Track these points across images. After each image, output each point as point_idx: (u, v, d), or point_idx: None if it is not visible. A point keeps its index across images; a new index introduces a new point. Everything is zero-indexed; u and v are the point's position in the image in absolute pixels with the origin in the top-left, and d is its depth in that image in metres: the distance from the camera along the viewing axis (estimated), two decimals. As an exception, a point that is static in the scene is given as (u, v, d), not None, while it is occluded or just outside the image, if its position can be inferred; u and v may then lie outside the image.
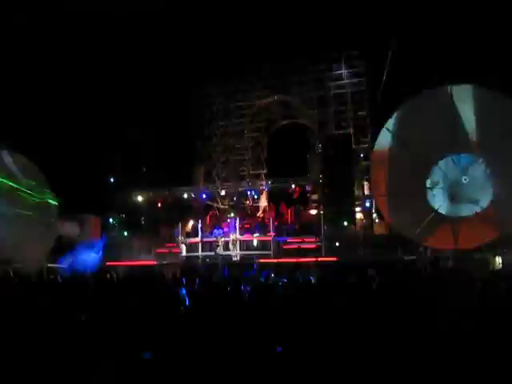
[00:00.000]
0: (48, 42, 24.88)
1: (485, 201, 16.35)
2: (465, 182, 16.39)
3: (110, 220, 25.40)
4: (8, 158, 18.92)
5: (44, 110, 25.55)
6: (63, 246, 22.82)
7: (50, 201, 20.57)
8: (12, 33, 23.61)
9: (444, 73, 17.30)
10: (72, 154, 23.76)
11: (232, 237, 22.84)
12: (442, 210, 16.80)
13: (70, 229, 22.99)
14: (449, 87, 16.40)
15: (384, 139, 17.56)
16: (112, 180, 25.21)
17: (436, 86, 16.96)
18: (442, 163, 16.80)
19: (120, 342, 4.60)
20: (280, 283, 10.31)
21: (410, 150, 16.87)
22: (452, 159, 16.70)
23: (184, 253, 23.67)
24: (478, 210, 16.34)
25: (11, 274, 17.97)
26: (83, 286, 9.44)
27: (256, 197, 28.67)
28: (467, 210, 16.47)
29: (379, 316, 5.23)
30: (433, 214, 16.74)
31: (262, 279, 10.69)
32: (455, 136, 16.17)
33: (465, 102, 16.17)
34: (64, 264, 22.11)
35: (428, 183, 17.05)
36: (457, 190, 16.45)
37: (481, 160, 16.42)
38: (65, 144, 24.20)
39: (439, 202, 16.90)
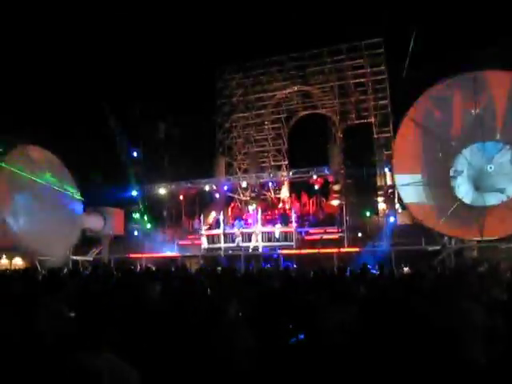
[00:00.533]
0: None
1: (511, 189, 16.06)
2: (490, 170, 16.09)
3: (134, 213, 25.66)
4: (33, 153, 19.27)
5: (67, 105, 25.94)
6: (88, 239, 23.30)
7: (75, 195, 20.93)
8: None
9: (467, 59, 16.89)
10: (95, 148, 24.03)
11: (254, 228, 22.89)
12: (467, 200, 16.55)
13: (93, 222, 23.32)
14: (472, 74, 16.07)
15: (406, 128, 17.34)
16: (135, 173, 25.43)
17: (459, 72, 16.63)
18: (466, 151, 16.53)
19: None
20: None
21: (433, 139, 16.66)
22: (476, 147, 16.41)
23: (206, 245, 23.79)
24: (503, 198, 16.05)
25: (38, 266, 18.52)
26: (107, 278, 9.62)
27: (277, 188, 28.67)
28: (493, 199, 16.18)
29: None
30: (457, 203, 16.52)
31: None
32: (479, 123, 15.87)
33: (489, 88, 15.84)
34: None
35: (452, 172, 16.80)
36: (482, 178, 16.16)
37: (506, 147, 16.10)
38: (88, 138, 24.50)
39: (464, 191, 16.66)
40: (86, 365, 2.69)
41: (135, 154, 25.70)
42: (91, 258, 22.61)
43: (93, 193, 22.52)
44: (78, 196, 21.05)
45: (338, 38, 26.95)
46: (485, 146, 16.26)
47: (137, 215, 25.59)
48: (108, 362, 2.78)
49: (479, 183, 16.28)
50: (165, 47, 28.72)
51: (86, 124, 25.14)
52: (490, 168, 16.21)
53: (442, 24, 23.01)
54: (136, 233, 25.66)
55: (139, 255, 23.01)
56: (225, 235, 23.19)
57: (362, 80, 27.65)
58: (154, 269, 13.22)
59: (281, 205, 27.84)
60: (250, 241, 22.59)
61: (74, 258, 21.67)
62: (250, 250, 22.22)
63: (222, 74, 31.21)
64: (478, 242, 16.71)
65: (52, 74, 25.93)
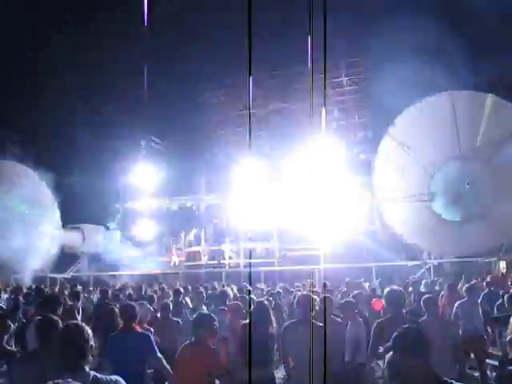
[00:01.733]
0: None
1: (488, 206, 16.35)
2: (468, 186, 16.40)
3: (113, 229, 25.34)
4: (11, 168, 18.98)
5: (52, 120, 25.58)
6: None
7: (53, 211, 20.62)
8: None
9: (445, 78, 17.26)
10: (76, 164, 23.71)
11: (236, 245, 22.80)
12: (446, 215, 16.80)
13: (72, 239, 22.96)
14: (450, 93, 16.46)
15: (386, 145, 17.60)
16: (115, 189, 25.18)
17: (437, 91, 17.00)
18: (444, 168, 16.83)
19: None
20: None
21: (412, 156, 16.94)
22: (455, 165, 16.74)
23: (177, 262, 23.60)
24: (481, 215, 16.33)
25: (13, 284, 18.08)
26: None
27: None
28: (471, 215, 16.45)
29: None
30: (436, 219, 16.76)
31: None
32: (458, 142, 16.22)
33: (466, 107, 16.23)
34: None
35: (431, 188, 17.07)
36: (460, 195, 16.45)
37: (483, 165, 16.44)
38: (67, 152, 24.14)
39: (442, 207, 16.91)
40: None
41: (116, 169, 25.48)
42: (69, 276, 22.18)
43: (72, 209, 22.20)
44: (56, 212, 20.73)
45: (317, 55, 27.22)
46: (463, 164, 16.59)
47: (117, 231, 25.27)
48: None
49: (457, 200, 16.55)
50: (152, 58, 28.58)
51: (65, 137, 24.74)
52: (468, 185, 16.51)
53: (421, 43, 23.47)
54: (116, 250, 25.27)
55: (119, 272, 22.64)
56: (206, 252, 23.06)
57: (342, 98, 28.03)
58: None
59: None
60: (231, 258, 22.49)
61: (52, 275, 21.22)
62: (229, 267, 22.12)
63: (204, 90, 31.34)
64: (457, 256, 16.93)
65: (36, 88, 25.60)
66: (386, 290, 5.54)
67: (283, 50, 25.43)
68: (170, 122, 26.97)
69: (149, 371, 4.83)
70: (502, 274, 15.91)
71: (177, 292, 8.67)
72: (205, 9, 25.32)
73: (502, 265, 17.92)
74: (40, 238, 19.51)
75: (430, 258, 17.82)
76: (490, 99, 16.18)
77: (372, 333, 5.06)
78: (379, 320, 5.25)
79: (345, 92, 27.99)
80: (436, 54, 21.14)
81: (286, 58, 26.57)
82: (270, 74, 27.86)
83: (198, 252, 23.38)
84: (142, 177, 25.03)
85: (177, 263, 23.72)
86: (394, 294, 5.21)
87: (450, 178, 16.80)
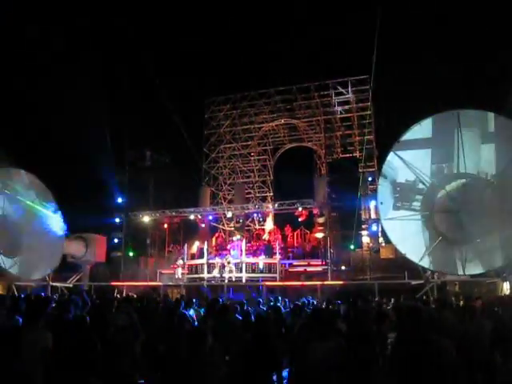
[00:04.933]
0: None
1: (492, 226, 16.26)
2: (472, 205, 16.32)
3: (116, 240, 25.36)
4: (17, 176, 19.07)
5: (54, 129, 25.81)
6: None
7: (58, 220, 20.66)
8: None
9: (451, 97, 17.37)
10: (80, 174, 23.88)
11: (237, 259, 22.75)
12: (450, 235, 16.70)
13: (75, 248, 23.00)
14: (456, 112, 16.48)
15: (391, 163, 17.60)
16: (119, 200, 25.25)
17: (443, 110, 17.04)
18: (449, 187, 16.78)
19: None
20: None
21: (416, 174, 16.93)
22: (459, 183, 16.70)
23: (179, 275, 23.58)
24: (485, 235, 16.23)
25: (15, 292, 18.10)
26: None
27: (262, 219, 28.68)
28: (475, 235, 16.36)
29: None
30: (440, 238, 16.67)
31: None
32: (463, 161, 16.20)
33: (472, 126, 16.25)
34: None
35: (435, 207, 17.01)
36: (465, 214, 16.37)
37: (488, 185, 16.40)
38: (73, 163, 24.36)
39: (446, 226, 16.82)
40: None
41: (121, 181, 25.60)
42: (71, 285, 22.16)
43: (75, 219, 22.26)
44: (60, 222, 20.77)
45: (325, 73, 27.56)
46: (467, 182, 16.55)
47: (119, 243, 25.28)
48: None
49: (462, 219, 16.47)
50: (154, 76, 28.95)
51: (70, 148, 24.95)
52: (472, 204, 16.44)
53: (428, 60, 23.70)
54: (118, 260, 25.29)
55: (120, 283, 22.62)
56: (208, 265, 23.02)
57: (348, 115, 28.21)
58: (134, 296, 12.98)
59: (265, 236, 27.79)
60: (233, 272, 22.42)
61: (53, 284, 21.22)
62: (231, 280, 22.05)
63: (210, 104, 31.62)
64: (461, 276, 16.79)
65: (38, 97, 25.87)
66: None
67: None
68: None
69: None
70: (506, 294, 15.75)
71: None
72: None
73: (506, 286, 17.77)
74: (43, 246, 19.56)
75: (432, 278, 17.70)
76: (495, 119, 16.19)
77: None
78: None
79: (351, 109, 28.16)
80: (442, 70, 21.32)
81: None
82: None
83: (201, 265, 23.32)
84: (146, 188, 25.12)
85: (180, 276, 23.70)
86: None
87: (454, 197, 16.74)
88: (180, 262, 24.25)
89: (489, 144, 16.20)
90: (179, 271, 23.79)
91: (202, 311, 9.21)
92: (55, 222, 20.47)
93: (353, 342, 5.30)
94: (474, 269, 16.16)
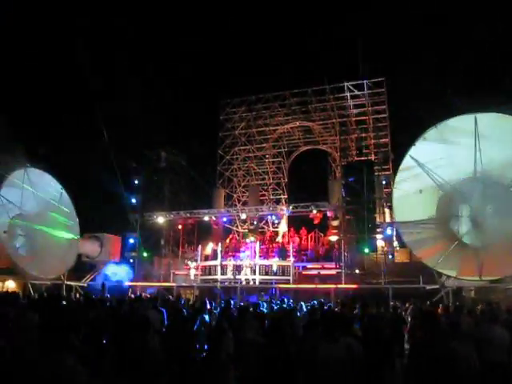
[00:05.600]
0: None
1: (509, 231, 16.01)
2: (490, 210, 16.09)
3: (131, 240, 25.49)
4: (33, 175, 19.27)
5: (68, 128, 26.10)
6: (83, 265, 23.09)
7: (72, 219, 20.84)
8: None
9: (468, 100, 17.13)
10: (96, 174, 24.06)
11: (251, 261, 22.72)
12: (466, 239, 16.48)
13: (90, 248, 23.19)
14: (473, 115, 16.26)
15: (407, 166, 17.43)
16: (134, 200, 25.40)
17: (460, 113, 16.83)
18: (466, 191, 16.56)
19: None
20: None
21: (433, 177, 16.73)
22: (476, 187, 16.46)
23: (192, 277, 23.65)
24: (503, 239, 15.98)
25: (31, 289, 18.31)
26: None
27: (276, 222, 28.62)
28: (492, 240, 16.11)
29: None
30: (456, 242, 16.45)
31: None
32: (480, 164, 15.98)
33: (489, 129, 16.00)
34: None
35: (452, 211, 16.81)
36: (482, 218, 16.14)
37: (506, 188, 16.16)
38: (88, 164, 24.54)
39: (463, 230, 16.61)
40: None
41: (136, 181, 25.76)
42: (85, 284, 22.33)
43: (91, 219, 22.45)
44: (76, 221, 20.95)
45: (340, 75, 27.45)
46: (484, 187, 16.31)
47: (134, 243, 25.41)
48: None
49: (479, 223, 16.25)
50: (170, 78, 29.16)
51: (86, 150, 25.21)
52: (490, 208, 16.21)
53: (443, 64, 23.51)
54: (132, 260, 25.41)
55: (134, 283, 22.73)
56: (222, 267, 23.02)
57: (363, 118, 28.05)
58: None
59: (279, 238, 27.72)
60: (247, 274, 22.40)
61: (68, 283, 21.39)
62: (244, 282, 22.02)
63: (225, 106, 31.68)
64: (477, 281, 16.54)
65: (53, 96, 26.19)
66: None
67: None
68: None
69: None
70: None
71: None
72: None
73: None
74: (59, 245, 19.76)
75: (448, 283, 17.47)
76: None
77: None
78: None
79: (366, 112, 28.01)
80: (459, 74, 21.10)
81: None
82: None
83: (214, 266, 23.33)
84: (161, 189, 25.24)
85: (193, 277, 23.78)
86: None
87: (471, 201, 16.53)
88: (192, 263, 24.39)
89: (507, 147, 15.91)
90: (192, 272, 23.89)
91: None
92: (71, 221, 20.66)
93: (366, 344, 5.25)
94: (491, 274, 15.91)
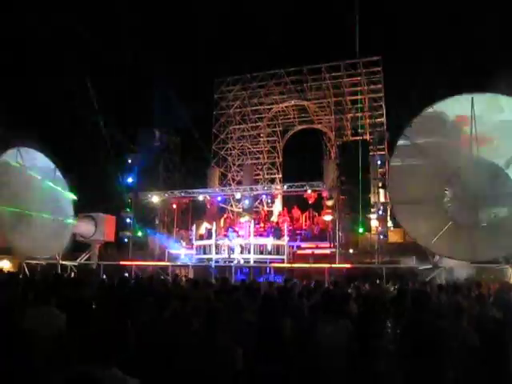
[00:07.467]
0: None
1: (504, 211, 16.12)
2: (484, 190, 16.14)
3: (127, 220, 25.43)
4: (26, 155, 19.09)
5: (61, 109, 25.79)
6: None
7: (67, 199, 20.76)
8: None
9: (463, 81, 17.05)
10: (89, 153, 23.90)
11: (245, 240, 22.78)
12: (460, 220, 16.56)
13: (84, 227, 23.15)
14: (470, 96, 16.17)
15: (402, 146, 17.41)
16: (129, 180, 25.28)
17: (456, 93, 16.74)
18: (460, 171, 16.59)
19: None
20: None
21: (428, 158, 16.72)
22: (471, 168, 16.48)
23: (196, 255, 23.73)
24: (497, 220, 16.10)
25: (26, 269, 18.32)
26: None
27: (270, 201, 28.65)
28: (486, 220, 16.22)
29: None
30: (450, 223, 16.53)
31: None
32: (475, 144, 15.97)
33: (486, 110, 15.94)
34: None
35: (446, 192, 16.86)
36: (476, 199, 16.21)
37: (500, 168, 16.19)
38: (81, 142, 24.34)
39: (457, 211, 16.68)
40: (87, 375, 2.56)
41: (130, 160, 25.60)
42: (79, 263, 22.40)
43: (85, 198, 22.34)
44: (70, 200, 20.87)
45: (336, 54, 27.19)
46: (479, 167, 16.32)
47: (129, 222, 25.36)
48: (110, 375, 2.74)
49: (473, 204, 16.32)
50: (164, 56, 28.78)
51: (79, 128, 24.97)
52: (484, 189, 16.25)
53: (441, 44, 23.30)
54: (126, 240, 25.40)
55: (129, 262, 22.78)
56: (216, 246, 23.09)
57: (359, 97, 27.87)
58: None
59: (273, 218, 27.80)
60: (241, 253, 22.47)
61: (63, 262, 21.44)
62: (241, 262, 22.12)
63: (219, 85, 31.37)
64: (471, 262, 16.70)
65: (47, 78, 25.81)
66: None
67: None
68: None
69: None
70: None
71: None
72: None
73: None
74: (53, 225, 19.71)
75: (441, 262, 17.62)
76: (510, 102, 15.87)
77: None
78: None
79: (362, 91, 27.83)
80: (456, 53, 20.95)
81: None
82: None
83: (209, 246, 23.39)
84: (156, 168, 25.16)
85: (183, 257, 23.95)
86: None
87: (466, 181, 16.56)
88: (183, 243, 24.66)
89: (503, 128, 15.89)
90: (182, 252, 24.13)
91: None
92: (65, 200, 20.59)
93: (360, 323, 5.34)
94: (484, 254, 16.05)
